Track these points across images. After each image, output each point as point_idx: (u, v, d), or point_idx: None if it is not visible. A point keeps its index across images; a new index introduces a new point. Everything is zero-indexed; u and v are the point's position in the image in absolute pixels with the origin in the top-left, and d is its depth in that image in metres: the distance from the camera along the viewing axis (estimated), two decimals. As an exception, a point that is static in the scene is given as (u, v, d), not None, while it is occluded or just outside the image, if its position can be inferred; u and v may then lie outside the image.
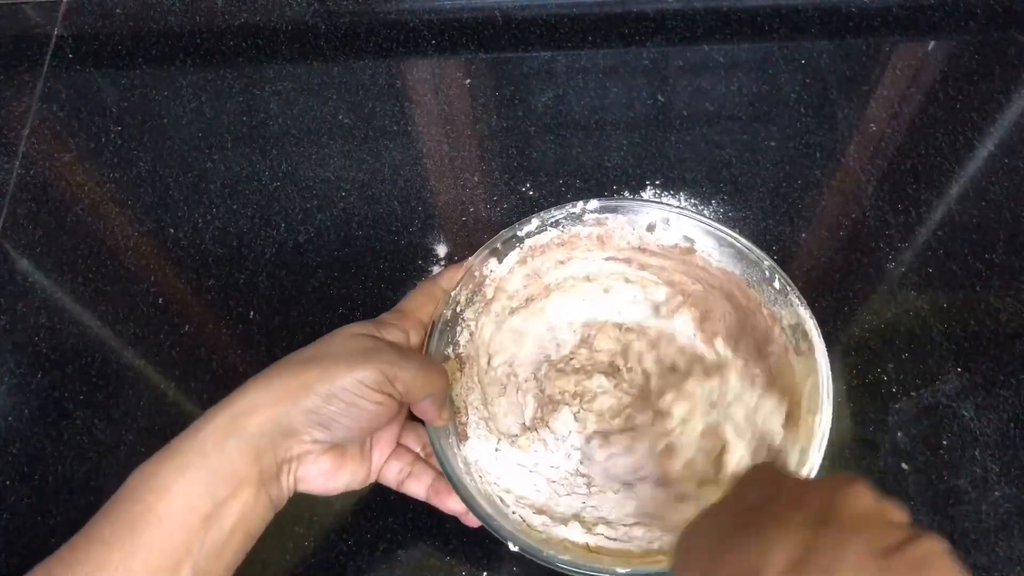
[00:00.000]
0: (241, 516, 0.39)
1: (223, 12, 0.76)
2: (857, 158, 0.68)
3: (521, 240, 0.55)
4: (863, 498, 0.32)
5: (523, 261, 0.56)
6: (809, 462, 0.46)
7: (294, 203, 0.66)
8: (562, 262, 0.58)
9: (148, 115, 0.70)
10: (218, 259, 0.63)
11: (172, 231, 0.65)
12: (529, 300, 0.58)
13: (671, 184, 0.66)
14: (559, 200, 0.65)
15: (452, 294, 0.53)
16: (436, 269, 0.62)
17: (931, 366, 0.58)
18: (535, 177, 0.67)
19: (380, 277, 0.62)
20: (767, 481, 0.36)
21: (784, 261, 0.62)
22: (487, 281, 0.55)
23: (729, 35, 0.74)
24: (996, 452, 0.55)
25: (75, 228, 0.65)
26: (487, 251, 0.55)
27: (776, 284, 0.52)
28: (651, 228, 0.56)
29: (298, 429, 0.41)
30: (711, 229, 0.55)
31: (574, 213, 0.56)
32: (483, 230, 0.64)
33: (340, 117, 0.70)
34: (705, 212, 0.65)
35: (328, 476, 0.44)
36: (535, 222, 0.55)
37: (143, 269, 0.63)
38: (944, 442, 0.55)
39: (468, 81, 0.72)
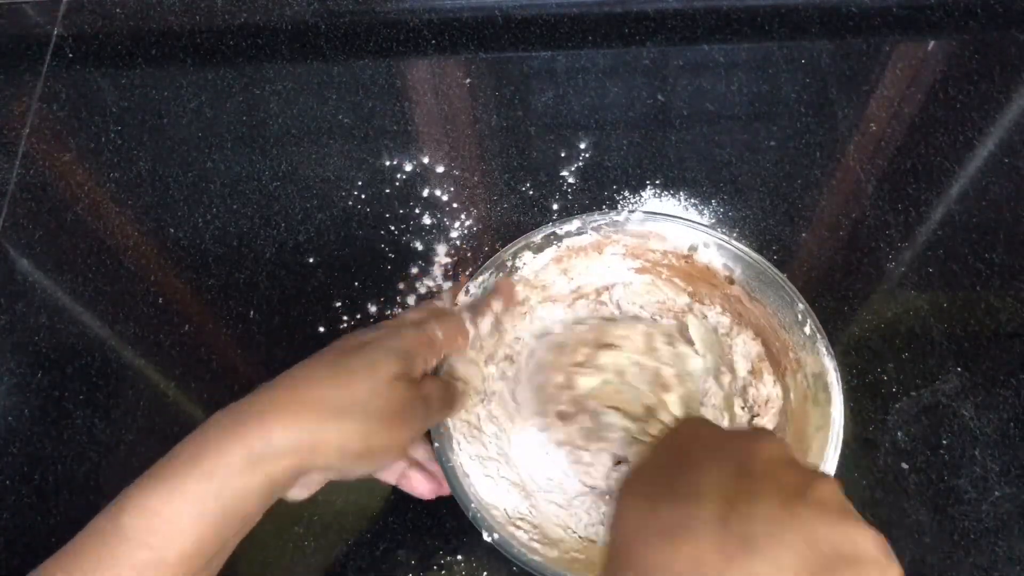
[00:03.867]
0: (241, 533, 0.39)
1: (223, 12, 0.76)
2: (857, 158, 0.68)
3: (560, 239, 0.56)
4: (770, 447, 0.35)
5: (558, 259, 0.57)
6: None
7: (294, 203, 0.66)
8: (593, 266, 0.58)
9: (148, 115, 0.70)
10: (218, 259, 0.63)
11: (172, 231, 0.65)
12: (553, 300, 0.58)
13: (671, 184, 0.66)
14: (559, 200, 0.65)
15: (480, 279, 0.53)
16: (436, 269, 0.62)
17: (931, 366, 0.58)
18: (535, 176, 0.67)
19: (380, 277, 0.62)
20: (690, 436, 0.38)
21: (784, 261, 0.62)
22: (517, 274, 0.56)
23: (729, 35, 0.74)
24: (996, 452, 0.55)
25: (75, 228, 0.65)
26: (523, 243, 0.55)
27: (807, 329, 0.51)
28: (692, 249, 0.56)
29: (317, 476, 0.41)
30: (750, 260, 0.54)
31: (617, 221, 0.56)
32: (484, 230, 0.64)
33: (340, 117, 0.70)
34: (705, 212, 0.65)
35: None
36: (576, 223, 0.56)
37: (143, 269, 0.63)
38: (944, 442, 0.55)
39: (468, 81, 0.72)
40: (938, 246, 0.63)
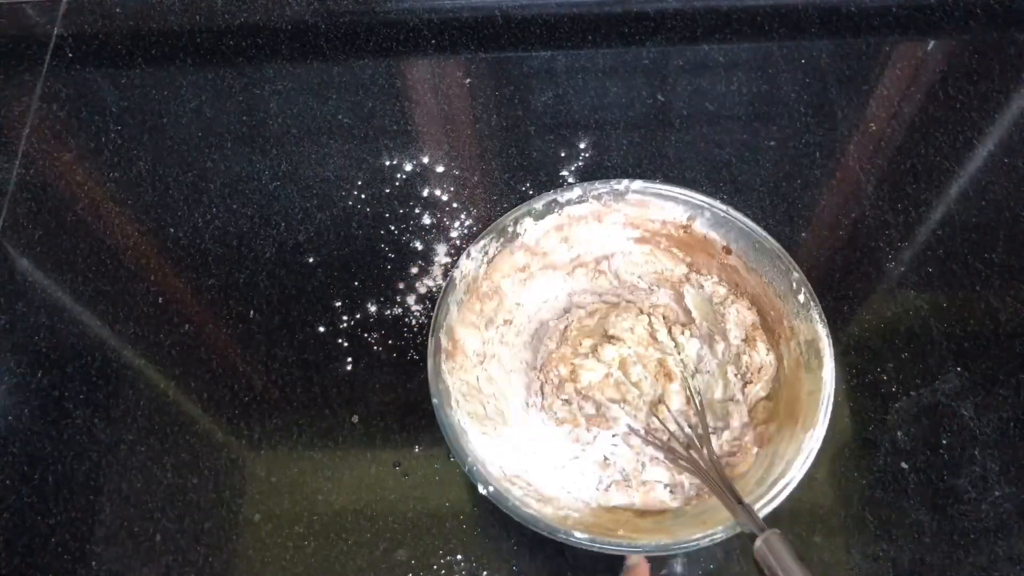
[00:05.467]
0: None
1: (223, 12, 0.76)
2: (857, 158, 0.68)
3: (561, 206, 0.56)
4: None
5: (559, 227, 0.57)
6: (790, 474, 0.46)
7: (294, 202, 0.66)
8: (593, 235, 0.59)
9: (148, 114, 0.70)
10: (218, 258, 0.63)
11: (172, 230, 0.65)
12: (553, 267, 0.59)
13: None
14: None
15: (481, 244, 0.54)
16: (436, 269, 0.62)
17: (931, 365, 0.58)
18: (535, 176, 0.67)
19: (380, 277, 0.62)
20: None
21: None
22: (518, 240, 0.56)
23: (729, 35, 0.74)
24: (996, 451, 0.55)
25: (75, 227, 0.65)
26: (524, 210, 0.56)
27: (801, 297, 0.52)
28: (691, 219, 0.56)
29: None
30: (747, 230, 0.55)
31: (618, 190, 0.56)
32: (483, 229, 0.64)
33: (340, 116, 0.70)
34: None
35: None
36: (577, 191, 0.56)
37: (143, 268, 0.63)
38: (944, 441, 0.55)
39: (468, 80, 0.72)
40: (938, 246, 0.63)
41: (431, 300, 0.61)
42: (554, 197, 0.56)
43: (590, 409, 0.54)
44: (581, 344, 0.56)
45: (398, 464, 0.55)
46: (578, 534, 0.45)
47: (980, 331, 0.60)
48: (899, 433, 0.55)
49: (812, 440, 0.47)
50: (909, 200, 0.65)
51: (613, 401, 0.54)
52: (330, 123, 0.70)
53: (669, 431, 0.52)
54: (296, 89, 0.72)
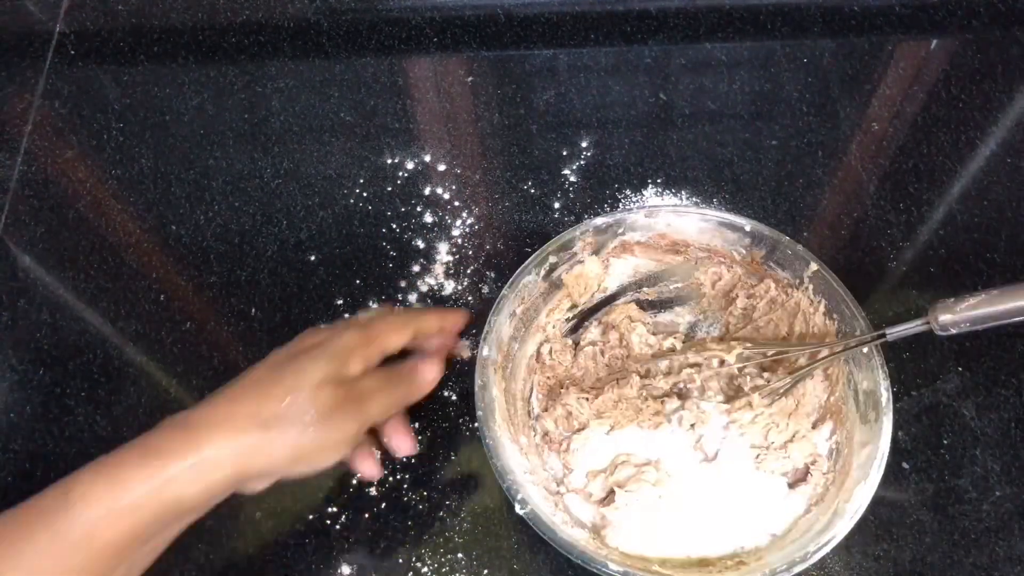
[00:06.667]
0: (184, 523, 0.43)
1: (225, 9, 0.76)
2: (859, 157, 0.68)
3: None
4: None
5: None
6: (835, 528, 0.45)
7: (296, 200, 0.66)
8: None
9: (150, 112, 0.71)
10: (220, 256, 0.63)
11: (174, 228, 0.65)
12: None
13: (673, 183, 0.66)
14: (560, 199, 0.65)
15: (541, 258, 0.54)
16: (438, 267, 0.62)
17: (932, 365, 0.58)
18: (537, 175, 0.67)
19: (382, 275, 0.62)
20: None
21: (785, 260, 0.62)
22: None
23: (731, 33, 0.74)
24: (997, 451, 0.55)
25: (77, 225, 0.65)
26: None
27: (864, 348, 0.50)
28: (772, 252, 0.55)
29: (259, 485, 0.44)
30: (824, 273, 0.53)
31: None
32: (485, 228, 0.64)
33: (342, 114, 0.70)
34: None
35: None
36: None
37: (145, 266, 0.63)
38: (945, 441, 0.55)
39: (470, 79, 0.72)
40: (940, 245, 0.63)
41: (432, 298, 0.61)
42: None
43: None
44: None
45: (398, 463, 0.55)
46: (613, 566, 0.44)
47: (981, 331, 0.59)
48: (900, 433, 0.55)
49: (863, 494, 0.46)
50: (911, 200, 0.65)
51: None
52: (332, 121, 0.70)
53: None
54: (298, 87, 0.72)
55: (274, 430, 0.41)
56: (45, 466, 0.55)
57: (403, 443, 0.50)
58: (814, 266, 0.52)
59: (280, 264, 0.63)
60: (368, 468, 0.49)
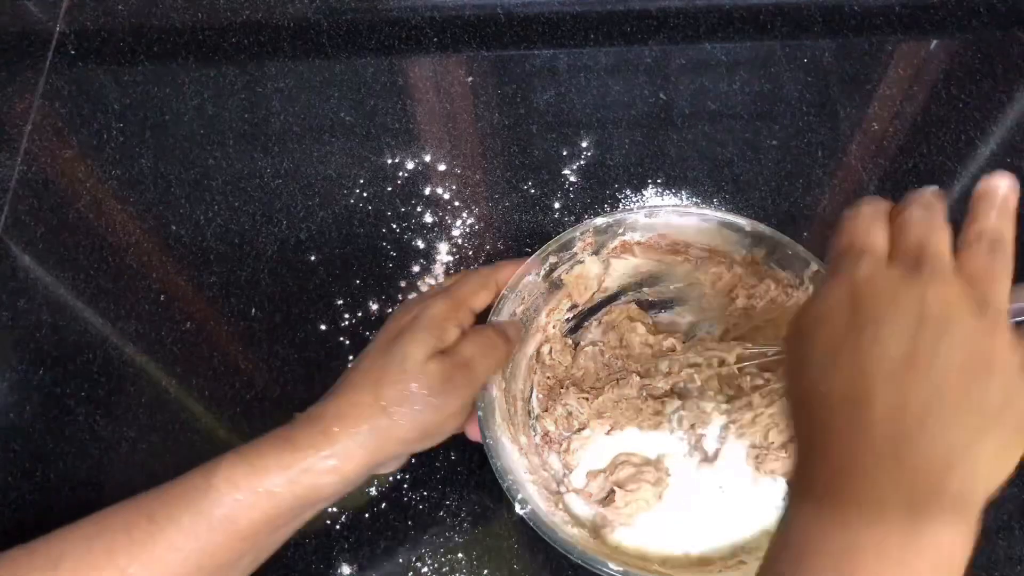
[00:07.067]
0: (317, 510, 0.45)
1: (225, 9, 0.76)
2: (859, 157, 0.68)
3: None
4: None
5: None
6: None
7: (296, 200, 0.66)
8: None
9: (150, 112, 0.71)
10: (220, 256, 0.63)
11: (174, 228, 0.65)
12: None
13: (673, 183, 0.66)
14: (561, 199, 0.65)
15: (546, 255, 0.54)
16: (438, 267, 0.62)
17: (932, 365, 0.58)
18: (537, 175, 0.67)
19: (382, 275, 0.62)
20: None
21: (786, 260, 0.62)
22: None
23: (731, 33, 0.74)
24: (997, 452, 0.55)
25: (77, 225, 0.65)
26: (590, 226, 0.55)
27: None
28: (772, 252, 0.54)
29: (393, 466, 0.48)
30: (825, 273, 0.52)
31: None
32: (485, 228, 0.64)
33: (342, 114, 0.70)
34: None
35: None
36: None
37: (145, 266, 0.63)
38: (945, 441, 0.55)
39: (470, 79, 0.72)
40: (940, 246, 0.63)
41: (432, 298, 0.61)
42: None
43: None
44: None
45: (399, 462, 0.55)
46: (613, 566, 0.44)
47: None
48: (900, 433, 0.55)
49: None
50: (911, 200, 0.65)
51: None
52: (332, 121, 0.70)
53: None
54: (298, 87, 0.72)
55: (396, 413, 0.43)
56: (45, 466, 0.55)
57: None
58: (815, 266, 0.52)
59: (280, 264, 0.63)
60: (473, 431, 0.50)
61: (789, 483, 0.52)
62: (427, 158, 0.68)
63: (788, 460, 0.52)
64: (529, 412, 0.56)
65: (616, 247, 0.56)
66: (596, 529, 0.51)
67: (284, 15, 0.76)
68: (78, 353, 0.59)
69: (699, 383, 0.55)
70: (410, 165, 0.67)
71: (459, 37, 0.74)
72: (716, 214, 0.55)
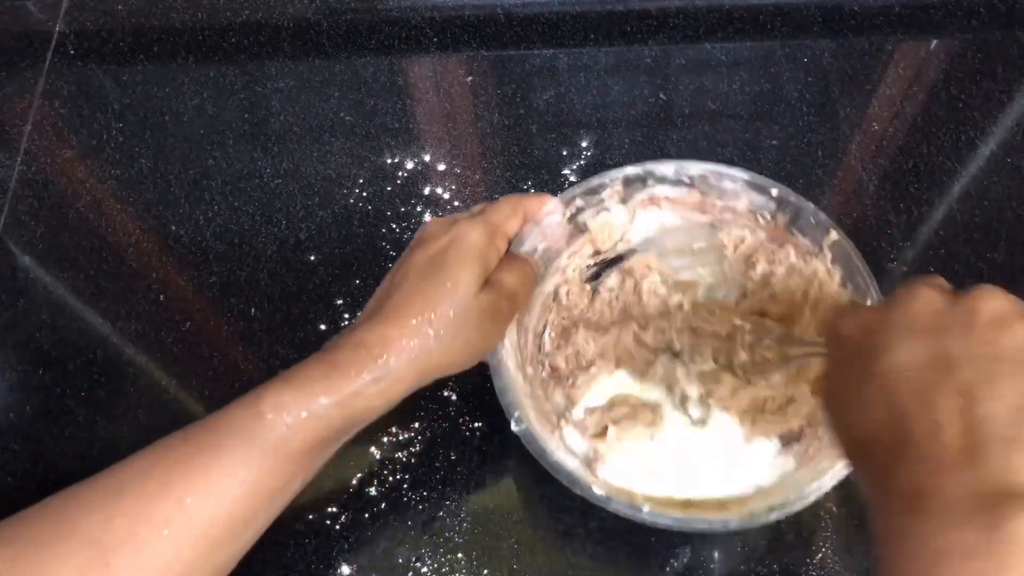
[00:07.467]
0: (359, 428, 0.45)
1: (225, 9, 0.76)
2: (859, 157, 0.68)
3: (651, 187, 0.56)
4: (926, 299, 0.37)
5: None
6: (822, 480, 0.45)
7: (296, 200, 0.66)
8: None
9: (150, 112, 0.70)
10: (219, 256, 0.63)
11: (174, 228, 0.65)
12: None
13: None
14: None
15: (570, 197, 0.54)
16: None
17: (932, 365, 0.58)
18: (537, 175, 0.67)
19: (381, 275, 0.61)
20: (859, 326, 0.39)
21: (785, 260, 0.62)
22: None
23: (731, 33, 0.74)
24: (997, 452, 0.55)
25: (76, 225, 0.65)
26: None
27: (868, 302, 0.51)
28: (795, 219, 0.55)
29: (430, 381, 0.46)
30: (844, 243, 0.53)
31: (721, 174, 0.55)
32: (484, 228, 0.64)
33: (342, 114, 0.70)
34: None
35: None
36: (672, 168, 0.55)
37: (144, 266, 0.63)
38: (945, 442, 0.55)
39: (470, 79, 0.72)
40: (940, 246, 0.63)
41: (432, 298, 0.61)
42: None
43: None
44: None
45: (399, 463, 0.55)
46: (597, 489, 0.45)
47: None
48: (900, 433, 0.55)
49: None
50: (911, 200, 0.65)
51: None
52: (332, 121, 0.70)
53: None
54: (298, 87, 0.72)
55: (448, 339, 0.44)
56: (45, 466, 0.55)
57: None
58: (835, 235, 0.53)
59: (280, 264, 0.63)
60: None
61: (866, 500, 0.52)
62: (427, 158, 0.68)
63: (784, 422, 0.53)
64: (540, 347, 0.56)
65: (644, 199, 0.57)
66: (588, 463, 0.52)
67: (284, 15, 0.76)
68: (78, 353, 0.59)
69: (689, 347, 0.56)
70: (410, 165, 0.67)
71: (459, 37, 0.74)
72: (744, 175, 0.55)
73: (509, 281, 0.48)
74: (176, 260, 0.63)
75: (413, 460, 0.55)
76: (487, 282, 0.46)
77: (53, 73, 0.73)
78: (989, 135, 0.68)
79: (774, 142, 0.69)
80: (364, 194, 0.66)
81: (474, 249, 0.46)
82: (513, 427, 0.46)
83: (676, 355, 0.56)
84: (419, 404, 0.57)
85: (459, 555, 0.52)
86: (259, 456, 0.40)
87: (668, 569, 0.51)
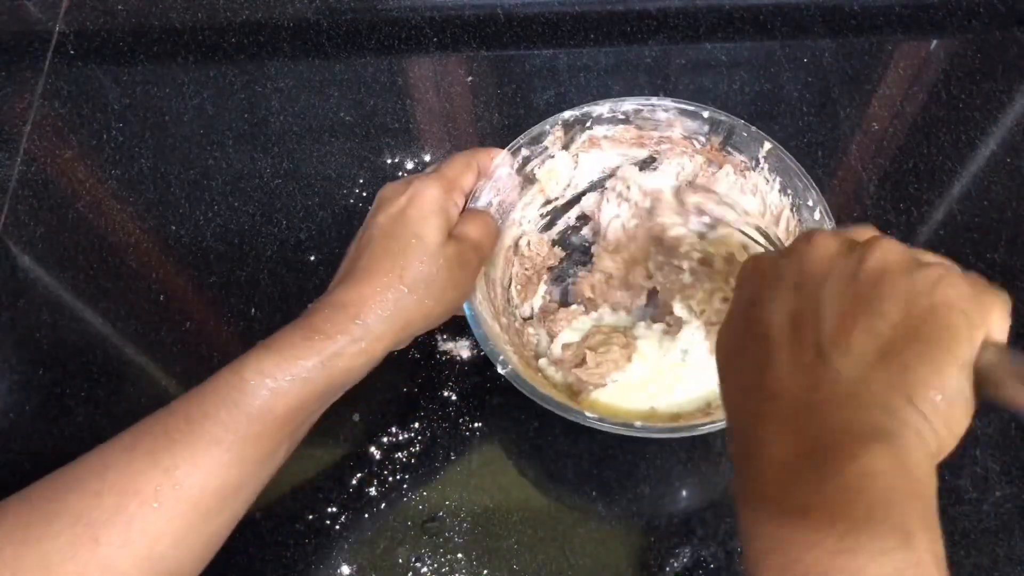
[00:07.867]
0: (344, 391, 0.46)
1: (225, 9, 0.76)
2: (859, 157, 0.68)
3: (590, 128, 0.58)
4: (823, 247, 0.35)
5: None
6: None
7: (295, 200, 0.66)
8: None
9: (150, 112, 0.70)
10: (219, 256, 0.63)
11: (174, 228, 0.65)
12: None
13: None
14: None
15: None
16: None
17: (932, 365, 0.58)
18: (537, 175, 0.67)
19: (381, 275, 0.62)
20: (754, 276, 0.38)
21: (785, 260, 0.62)
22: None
23: (731, 33, 0.74)
24: (997, 452, 0.55)
25: (76, 225, 0.65)
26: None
27: (816, 215, 0.53)
28: (729, 136, 0.56)
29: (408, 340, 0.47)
30: (778, 151, 0.55)
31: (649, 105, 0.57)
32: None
33: (342, 114, 0.70)
34: (707, 211, 0.65)
35: None
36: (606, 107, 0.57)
37: (145, 266, 0.63)
38: (945, 442, 0.55)
39: (470, 79, 0.72)
40: (940, 246, 0.63)
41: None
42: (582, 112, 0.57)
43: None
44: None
45: (399, 463, 0.55)
46: (589, 414, 0.46)
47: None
48: (900, 433, 0.55)
49: None
50: (911, 200, 0.65)
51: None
52: (332, 121, 0.70)
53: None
54: (298, 87, 0.72)
55: (422, 293, 0.45)
56: (45, 466, 0.55)
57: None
58: (768, 145, 0.55)
59: (280, 264, 0.63)
60: None
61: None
62: (427, 158, 0.68)
63: None
64: (508, 300, 0.58)
65: (584, 142, 0.58)
66: (573, 394, 0.53)
67: (284, 15, 0.76)
68: (78, 353, 0.59)
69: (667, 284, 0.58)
70: (410, 165, 0.67)
71: (459, 37, 0.74)
72: (675, 103, 0.56)
73: (472, 232, 0.49)
74: (176, 260, 0.63)
75: (413, 460, 0.55)
76: (451, 236, 0.47)
77: (53, 73, 0.73)
78: (989, 135, 0.68)
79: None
80: (364, 194, 0.66)
81: (433, 203, 0.47)
82: (500, 370, 0.48)
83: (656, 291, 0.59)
84: (419, 404, 0.57)
85: (459, 555, 0.52)
86: (245, 422, 0.40)
87: (668, 569, 0.51)
